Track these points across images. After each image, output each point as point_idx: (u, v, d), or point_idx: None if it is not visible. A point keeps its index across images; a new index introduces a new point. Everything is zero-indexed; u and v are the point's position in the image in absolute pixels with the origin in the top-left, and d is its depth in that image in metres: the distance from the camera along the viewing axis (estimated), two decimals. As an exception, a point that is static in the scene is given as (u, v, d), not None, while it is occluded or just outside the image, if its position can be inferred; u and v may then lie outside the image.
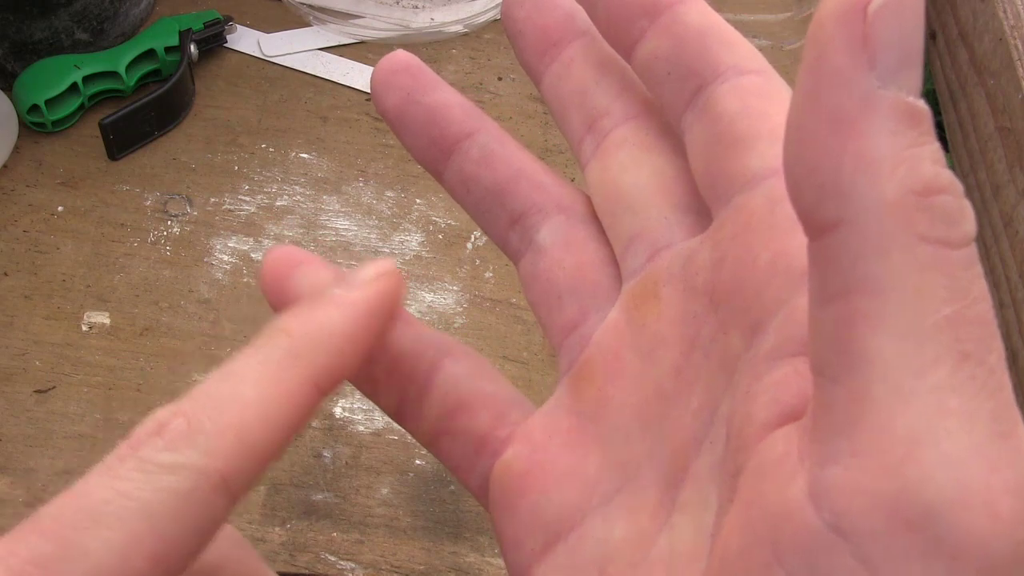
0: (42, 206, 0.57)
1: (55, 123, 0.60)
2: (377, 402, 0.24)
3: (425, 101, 0.25)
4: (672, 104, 0.22)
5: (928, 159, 0.15)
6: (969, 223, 0.16)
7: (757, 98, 0.21)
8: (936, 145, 0.16)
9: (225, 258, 0.56)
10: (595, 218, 0.24)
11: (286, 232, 0.57)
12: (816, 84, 0.16)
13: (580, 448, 0.22)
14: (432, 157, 0.25)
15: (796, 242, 0.19)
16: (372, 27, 0.66)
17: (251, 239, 0.57)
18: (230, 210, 0.58)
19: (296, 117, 0.63)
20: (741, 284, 0.20)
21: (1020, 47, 0.52)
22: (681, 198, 0.23)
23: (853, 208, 0.15)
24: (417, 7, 0.67)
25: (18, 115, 0.59)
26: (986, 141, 0.54)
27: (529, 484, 0.22)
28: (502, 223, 0.25)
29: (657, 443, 0.21)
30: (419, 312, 0.55)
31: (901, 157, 0.15)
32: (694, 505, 0.20)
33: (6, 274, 0.55)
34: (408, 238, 0.58)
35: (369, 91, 0.26)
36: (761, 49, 0.68)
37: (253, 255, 0.56)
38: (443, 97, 0.25)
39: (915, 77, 0.15)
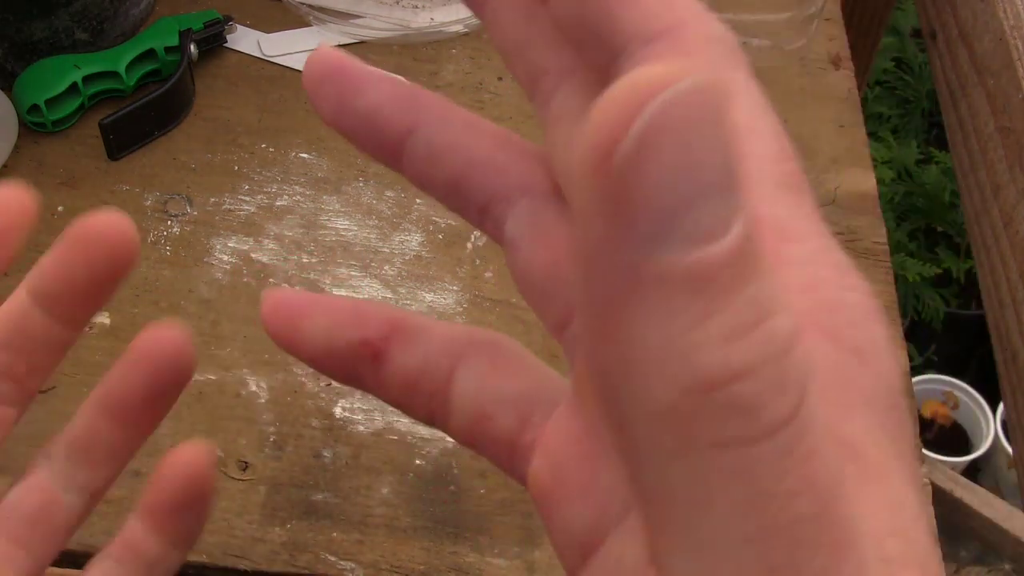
0: (42, 206, 0.57)
1: (55, 123, 0.60)
2: (418, 419, 0.24)
3: (356, 108, 0.22)
4: (597, 71, 0.19)
5: (718, 337, 0.12)
6: (787, 394, 0.13)
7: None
8: (750, 291, 0.13)
9: (225, 258, 0.56)
10: (560, 191, 0.22)
11: (286, 232, 0.57)
12: (583, 261, 0.13)
13: (593, 461, 0.21)
14: (385, 159, 0.23)
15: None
16: (372, 27, 0.66)
17: (251, 239, 0.57)
18: (230, 210, 0.58)
19: (296, 117, 0.63)
20: None
21: (1020, 47, 0.52)
22: None
23: (626, 415, 0.13)
24: (417, 7, 0.67)
25: (18, 115, 0.59)
26: (986, 141, 0.54)
27: (557, 500, 0.21)
28: (473, 215, 0.23)
29: None
30: (416, 312, 0.55)
31: (674, 348, 0.12)
32: None
33: (6, 274, 0.55)
34: (408, 238, 0.58)
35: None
36: (761, 49, 0.68)
37: (253, 255, 0.56)
38: (373, 98, 0.22)
39: (719, 208, 0.12)
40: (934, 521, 0.41)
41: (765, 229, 0.16)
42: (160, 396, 0.27)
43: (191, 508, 0.28)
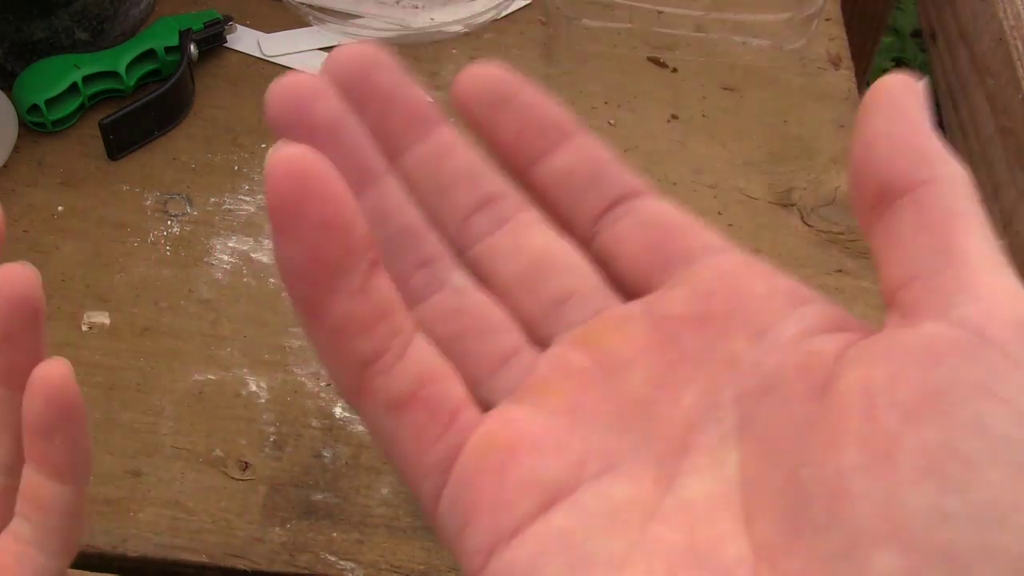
0: (42, 206, 0.57)
1: (55, 123, 0.60)
2: (335, 361, 0.22)
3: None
4: (583, 211, 0.24)
5: None
6: None
7: (679, 209, 0.24)
8: None
9: (225, 258, 0.56)
10: None
11: (286, 232, 0.57)
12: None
13: (562, 433, 0.22)
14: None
15: (783, 281, 0.22)
16: (372, 27, 0.66)
17: (251, 239, 0.57)
18: (230, 210, 0.58)
19: (296, 117, 0.63)
20: (740, 305, 0.22)
21: (1020, 47, 0.52)
22: (598, 275, 0.24)
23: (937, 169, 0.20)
24: (417, 7, 0.67)
25: (18, 115, 0.59)
26: (986, 141, 0.54)
27: (521, 451, 0.21)
28: (409, 266, 0.23)
29: (643, 439, 0.21)
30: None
31: None
32: (705, 467, 0.20)
33: (6, 274, 0.55)
34: (408, 238, 0.58)
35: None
36: (761, 49, 0.68)
37: (253, 255, 0.56)
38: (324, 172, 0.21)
39: None
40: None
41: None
42: (13, 333, 0.28)
43: (58, 428, 0.28)
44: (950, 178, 0.20)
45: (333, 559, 0.46)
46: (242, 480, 0.48)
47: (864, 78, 0.90)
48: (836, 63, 0.67)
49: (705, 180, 0.61)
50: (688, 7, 0.66)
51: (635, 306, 0.23)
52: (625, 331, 0.23)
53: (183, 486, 0.48)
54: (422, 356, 0.22)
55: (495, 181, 0.24)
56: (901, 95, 0.21)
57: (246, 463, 0.49)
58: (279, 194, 0.19)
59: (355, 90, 0.24)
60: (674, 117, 0.64)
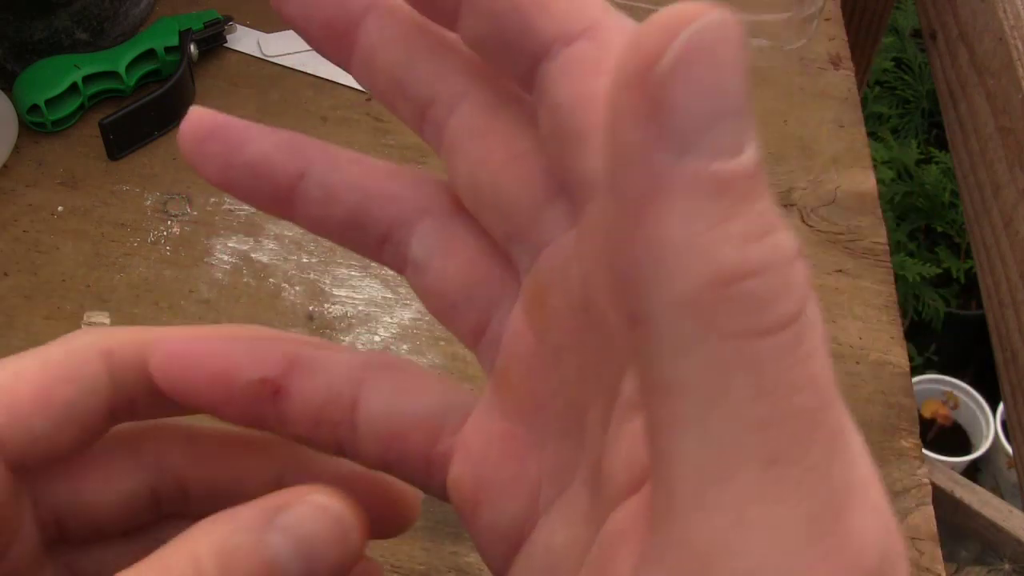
0: (42, 206, 0.57)
1: (55, 123, 0.60)
2: (326, 451, 0.23)
3: (243, 160, 0.22)
4: (517, 79, 0.20)
5: (736, 237, 0.14)
6: (792, 297, 0.14)
7: (588, 77, 0.18)
8: (760, 206, 0.14)
9: (225, 258, 0.56)
10: (463, 208, 0.22)
11: (286, 232, 0.57)
12: (612, 165, 0.14)
13: (517, 455, 0.21)
14: (277, 208, 0.23)
15: None
16: (372, 27, 0.66)
17: (251, 239, 0.57)
18: (230, 210, 0.58)
19: (296, 117, 0.63)
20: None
21: (1020, 47, 0.52)
22: (541, 183, 0.20)
23: (648, 306, 0.14)
24: (417, 7, 0.67)
25: (18, 115, 0.59)
26: (986, 141, 0.54)
27: (481, 499, 0.21)
28: (371, 247, 0.23)
29: (579, 449, 0.20)
30: (416, 311, 0.55)
31: (697, 243, 0.14)
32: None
33: (6, 274, 0.55)
34: (408, 238, 0.58)
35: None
36: (761, 49, 0.68)
37: (253, 255, 0.56)
38: (258, 148, 0.22)
39: (736, 129, 0.14)
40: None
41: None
42: None
43: None
44: None
45: (333, 559, 0.46)
46: (242, 480, 0.48)
47: (864, 78, 0.90)
48: (836, 63, 0.67)
49: (705, 180, 0.60)
50: (688, 7, 0.66)
51: (556, 268, 0.20)
52: (550, 309, 0.20)
53: (183, 486, 0.48)
54: (372, 423, 0.22)
55: (416, 83, 0.21)
56: None
57: (246, 463, 0.49)
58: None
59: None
60: (674, 117, 0.64)
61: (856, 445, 0.15)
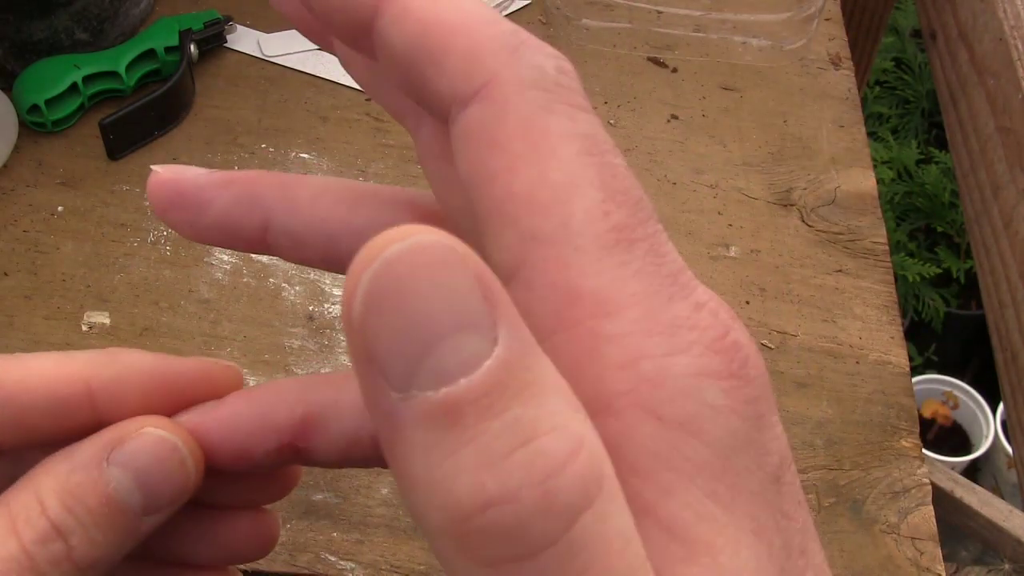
0: (42, 206, 0.57)
1: (55, 123, 0.60)
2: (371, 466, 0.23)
3: (207, 224, 0.23)
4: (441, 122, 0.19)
5: (470, 467, 0.13)
6: (553, 512, 0.13)
7: (481, 150, 0.17)
8: (514, 414, 0.13)
9: (225, 258, 0.56)
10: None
11: (286, 232, 0.57)
12: (368, 410, 0.14)
13: None
14: (258, 252, 0.23)
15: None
16: (372, 27, 0.66)
17: (251, 239, 0.57)
18: (230, 210, 0.58)
19: (296, 117, 0.63)
20: None
21: (1020, 47, 0.52)
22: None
23: (426, 536, 0.14)
24: (417, 7, 0.67)
25: (18, 115, 0.59)
26: (986, 141, 0.54)
27: None
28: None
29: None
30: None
31: (434, 479, 0.13)
32: None
33: (6, 274, 0.55)
34: (408, 238, 0.58)
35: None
36: (761, 49, 0.68)
37: (253, 255, 0.56)
38: (219, 208, 0.22)
39: (461, 347, 0.13)
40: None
41: (583, 306, 0.16)
42: None
43: None
44: None
45: (333, 559, 0.46)
46: (242, 480, 0.48)
47: (864, 78, 0.90)
48: (836, 63, 0.67)
49: (705, 180, 0.61)
50: (688, 7, 0.66)
51: None
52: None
53: (183, 486, 0.48)
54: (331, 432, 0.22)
55: (385, 95, 0.21)
56: None
57: (246, 463, 0.49)
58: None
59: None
60: (674, 117, 0.64)
61: None
